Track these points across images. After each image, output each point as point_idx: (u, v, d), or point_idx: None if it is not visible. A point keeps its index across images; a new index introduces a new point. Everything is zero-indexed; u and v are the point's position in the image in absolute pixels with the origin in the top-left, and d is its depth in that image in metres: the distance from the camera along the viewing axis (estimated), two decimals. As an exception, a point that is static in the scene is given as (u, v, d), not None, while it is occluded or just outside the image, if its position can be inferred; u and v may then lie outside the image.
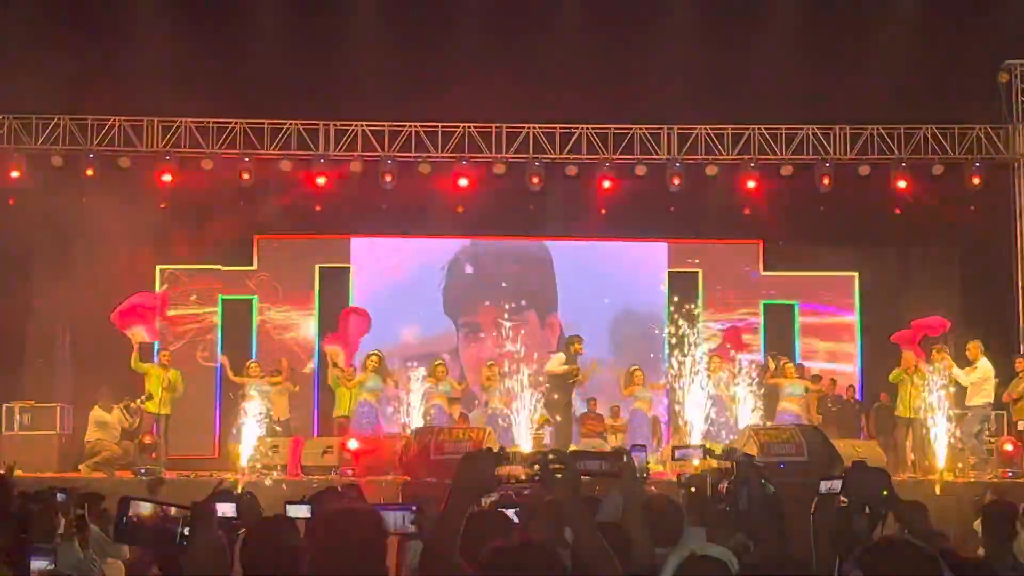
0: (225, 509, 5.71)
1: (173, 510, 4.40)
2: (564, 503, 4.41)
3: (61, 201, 20.13)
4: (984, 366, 17.58)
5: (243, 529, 5.44)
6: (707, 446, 6.70)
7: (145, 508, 4.32)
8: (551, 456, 4.36)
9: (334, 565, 4.13)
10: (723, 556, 3.53)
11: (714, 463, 6.50)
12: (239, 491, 5.87)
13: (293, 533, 4.89)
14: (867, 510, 5.04)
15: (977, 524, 6.82)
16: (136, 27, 19.88)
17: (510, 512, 5.59)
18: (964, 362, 17.70)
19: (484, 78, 20.38)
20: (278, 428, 18.46)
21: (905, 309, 19.33)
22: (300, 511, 5.21)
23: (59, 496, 8.63)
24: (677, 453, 7.03)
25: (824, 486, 5.07)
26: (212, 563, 4.37)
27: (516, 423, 17.00)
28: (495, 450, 4.45)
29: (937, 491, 15.47)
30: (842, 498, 5.08)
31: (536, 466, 4.31)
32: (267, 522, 5.16)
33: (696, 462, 7.12)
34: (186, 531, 4.36)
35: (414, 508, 4.56)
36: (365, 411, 17.99)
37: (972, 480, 16.48)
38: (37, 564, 3.87)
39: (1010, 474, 16.83)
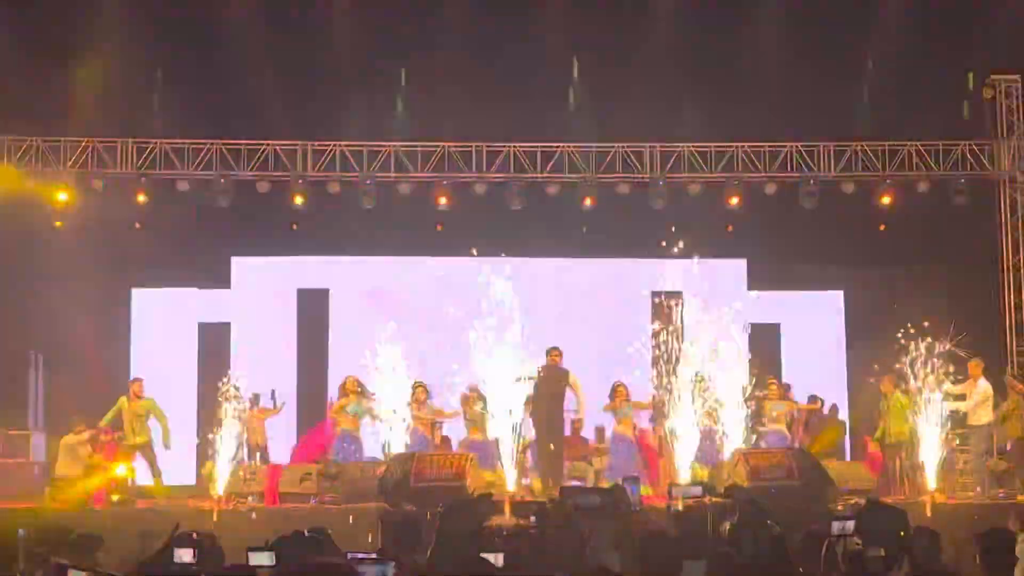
0: (183, 555, 5.27)
1: None
2: (563, 550, 4.01)
3: (33, 224, 19.65)
4: (984, 385, 17.25)
5: (203, 576, 4.99)
6: (707, 484, 6.30)
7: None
8: (549, 505, 3.95)
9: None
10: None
11: (715, 499, 6.12)
12: (198, 535, 5.39)
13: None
14: (883, 552, 4.65)
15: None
16: (109, 47, 19.39)
17: (495, 557, 5.17)
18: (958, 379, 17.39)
19: (463, 98, 19.95)
20: (257, 454, 18.05)
21: (891, 327, 18.90)
22: (262, 559, 4.76)
23: (20, 532, 8.14)
24: (674, 491, 6.62)
25: (836, 527, 4.67)
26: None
27: (499, 447, 16.49)
28: (479, 494, 3.99)
29: (928, 513, 15.09)
30: (855, 539, 4.69)
31: (533, 518, 3.86)
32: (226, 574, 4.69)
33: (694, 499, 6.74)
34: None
35: (393, 563, 4.11)
36: (346, 444, 17.46)
37: (964, 501, 16.14)
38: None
39: (1002, 495, 16.49)
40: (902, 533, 4.66)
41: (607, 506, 4.14)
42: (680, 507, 6.83)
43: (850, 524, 4.72)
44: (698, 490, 6.31)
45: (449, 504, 3.27)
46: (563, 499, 4.55)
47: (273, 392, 19.38)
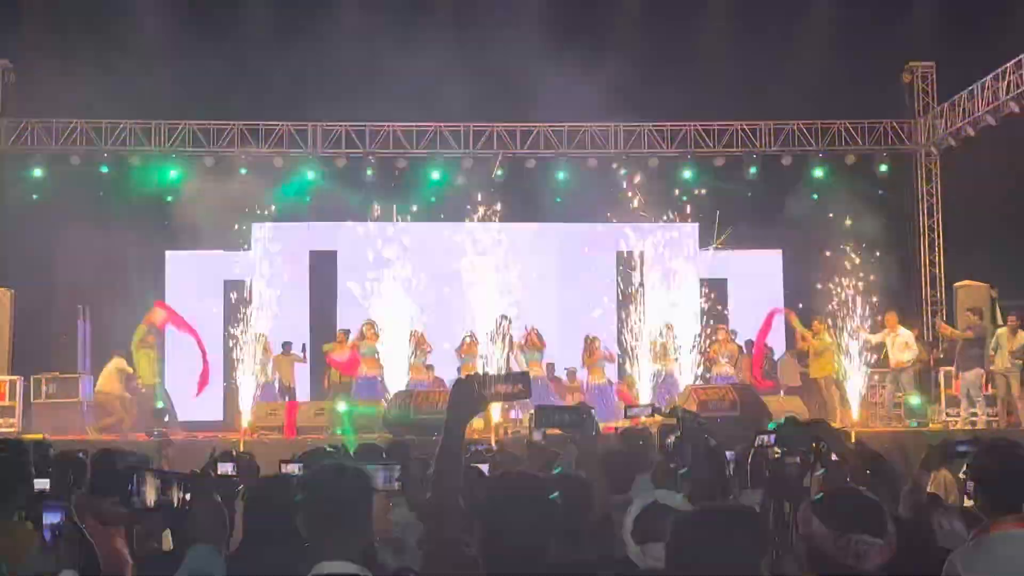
0: (226, 468, 5.61)
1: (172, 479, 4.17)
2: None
3: (81, 195, 19.85)
4: (905, 332, 17.54)
5: (242, 486, 5.30)
6: (655, 405, 6.64)
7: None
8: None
9: (324, 519, 3.97)
10: (683, 506, 3.42)
11: (660, 419, 6.48)
12: (237, 452, 5.70)
13: (289, 489, 4.72)
14: (798, 459, 4.99)
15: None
16: (145, 42, 19.50)
17: (484, 467, 5.54)
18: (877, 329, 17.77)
19: (454, 83, 20.13)
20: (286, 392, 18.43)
21: (824, 280, 19.23)
22: (293, 468, 5.10)
23: (80, 456, 8.41)
24: (629, 411, 7.00)
25: (759, 439, 5.00)
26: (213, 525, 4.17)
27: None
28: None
29: (852, 440, 15.40)
30: (775, 448, 5.03)
31: (520, 385, 4.09)
32: (265, 481, 5.01)
33: (644, 418, 7.11)
34: (187, 497, 4.13)
35: (398, 466, 4.38)
36: (366, 385, 17.73)
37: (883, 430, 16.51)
38: (49, 517, 3.68)
39: (915, 424, 16.89)
40: (815, 444, 5.00)
41: (575, 424, 4.41)
42: (628, 424, 7.18)
43: (771, 437, 5.05)
44: (647, 410, 6.62)
45: (455, 382, 3.50)
46: (539, 417, 4.83)
47: (304, 345, 19.75)
